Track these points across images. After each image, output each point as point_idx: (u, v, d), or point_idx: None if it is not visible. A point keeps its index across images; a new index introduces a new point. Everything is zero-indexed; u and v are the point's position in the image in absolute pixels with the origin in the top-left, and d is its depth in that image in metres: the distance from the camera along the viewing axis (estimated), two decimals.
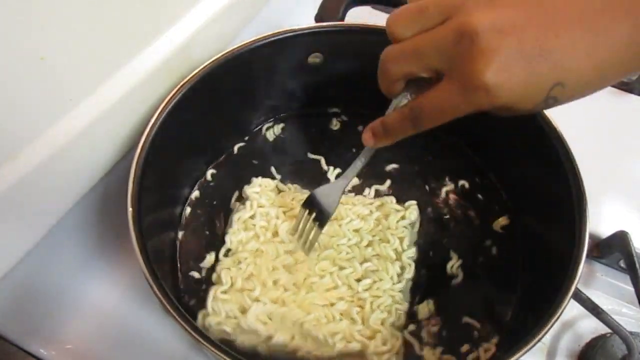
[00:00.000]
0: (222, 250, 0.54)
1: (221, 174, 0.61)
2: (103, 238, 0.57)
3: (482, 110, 0.33)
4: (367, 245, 0.53)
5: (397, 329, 0.50)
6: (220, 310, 0.49)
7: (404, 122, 0.38)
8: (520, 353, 0.39)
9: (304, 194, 0.57)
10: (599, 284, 0.58)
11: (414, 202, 0.57)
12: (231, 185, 0.60)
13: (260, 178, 0.58)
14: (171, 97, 0.49)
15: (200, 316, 0.50)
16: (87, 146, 0.46)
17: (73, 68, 0.42)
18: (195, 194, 0.59)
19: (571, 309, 0.52)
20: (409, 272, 0.52)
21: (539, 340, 0.39)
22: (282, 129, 0.65)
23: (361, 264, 0.52)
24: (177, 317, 0.39)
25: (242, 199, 0.58)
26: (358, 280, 0.51)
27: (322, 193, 0.49)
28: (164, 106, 0.49)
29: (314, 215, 0.49)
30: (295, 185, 0.60)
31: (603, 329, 0.53)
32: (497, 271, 0.55)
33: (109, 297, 0.54)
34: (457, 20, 0.32)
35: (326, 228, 0.51)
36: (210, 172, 0.60)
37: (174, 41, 0.52)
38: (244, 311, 0.49)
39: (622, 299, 0.57)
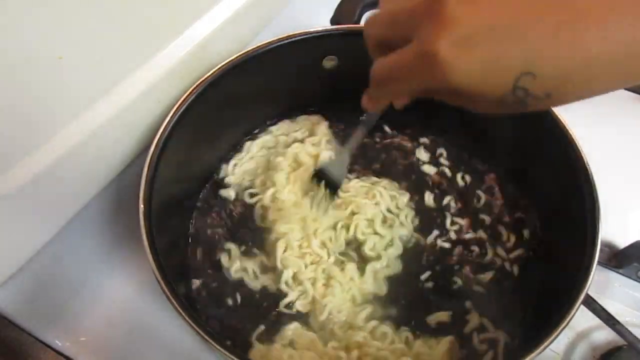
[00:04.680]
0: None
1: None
2: (119, 234, 0.58)
3: (440, 92, 0.30)
4: None
5: None
6: None
7: (372, 84, 0.36)
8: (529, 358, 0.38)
9: None
10: (617, 294, 0.56)
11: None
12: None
13: None
14: (186, 97, 0.50)
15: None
16: (104, 144, 0.47)
17: (90, 67, 0.43)
18: (208, 191, 0.60)
19: (587, 319, 0.51)
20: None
21: (546, 346, 0.39)
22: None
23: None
24: (185, 315, 0.39)
25: None
26: None
27: (330, 164, 0.51)
28: (179, 106, 0.50)
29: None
30: None
31: (620, 341, 0.51)
32: (508, 278, 0.54)
33: (124, 292, 0.55)
34: None
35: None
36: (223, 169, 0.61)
37: (191, 42, 0.53)
38: None
39: None
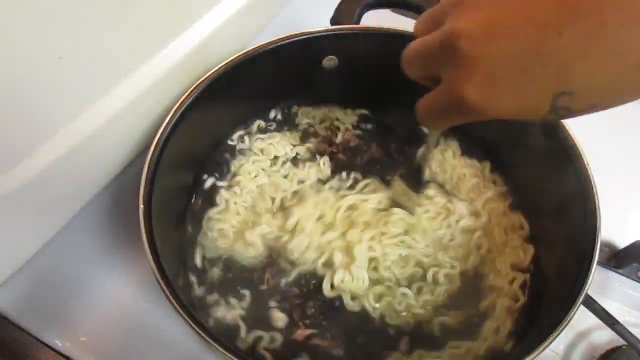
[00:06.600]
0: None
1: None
2: (119, 234, 0.58)
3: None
4: None
5: None
6: None
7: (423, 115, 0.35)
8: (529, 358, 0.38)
9: None
10: (617, 294, 0.56)
11: None
12: None
13: None
14: (186, 97, 0.50)
15: None
16: (103, 144, 0.47)
17: (90, 67, 0.43)
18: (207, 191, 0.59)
19: (586, 319, 0.51)
20: None
21: (546, 346, 0.39)
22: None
23: None
24: (184, 315, 0.39)
25: None
26: None
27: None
28: (179, 106, 0.50)
29: None
30: None
31: (619, 341, 0.51)
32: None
33: (124, 292, 0.55)
34: (448, 23, 0.28)
35: None
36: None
37: (191, 42, 0.53)
38: None
39: None
